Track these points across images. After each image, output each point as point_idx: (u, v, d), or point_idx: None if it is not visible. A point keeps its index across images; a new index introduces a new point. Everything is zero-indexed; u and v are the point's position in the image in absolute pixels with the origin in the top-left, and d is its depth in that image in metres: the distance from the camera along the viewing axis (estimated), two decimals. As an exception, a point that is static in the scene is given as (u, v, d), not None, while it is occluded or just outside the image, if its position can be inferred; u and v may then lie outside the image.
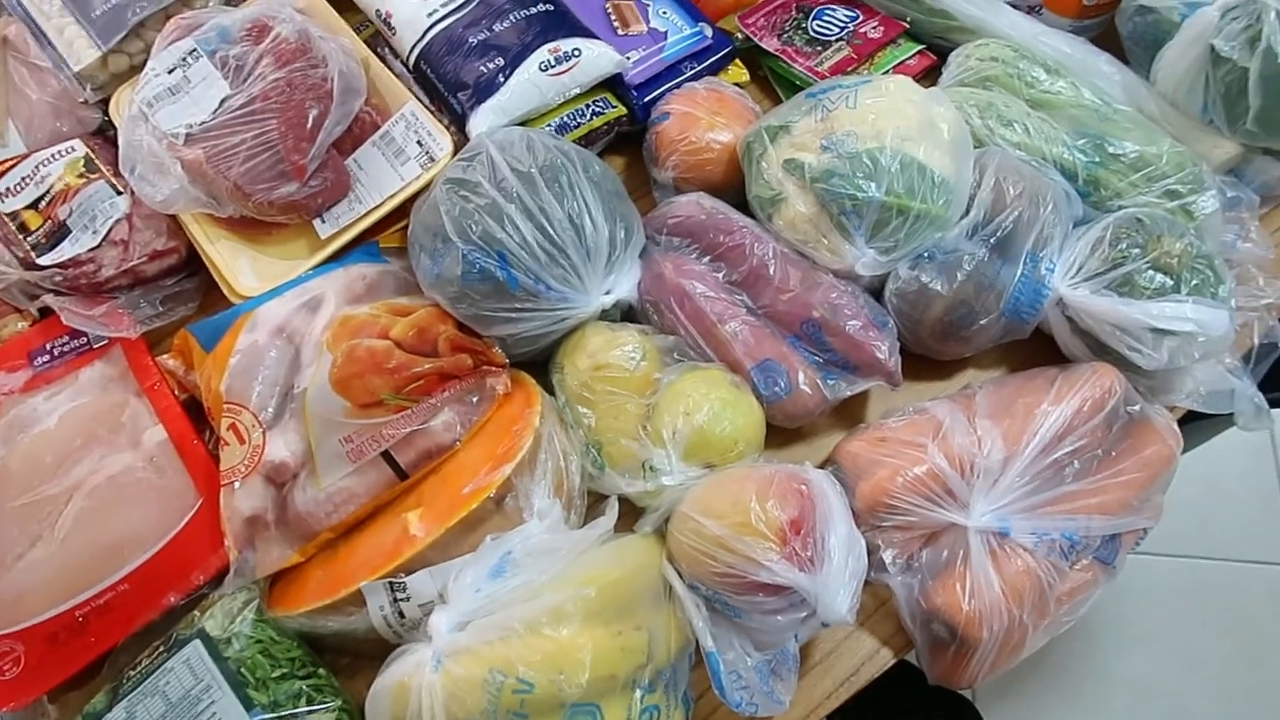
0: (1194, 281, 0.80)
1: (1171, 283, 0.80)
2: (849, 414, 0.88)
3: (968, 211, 0.85)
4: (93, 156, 0.95)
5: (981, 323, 0.84)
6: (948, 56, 0.99)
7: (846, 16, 1.03)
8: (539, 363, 0.87)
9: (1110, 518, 0.78)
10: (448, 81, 0.94)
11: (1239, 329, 0.85)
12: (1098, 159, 0.89)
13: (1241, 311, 0.86)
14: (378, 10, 1.00)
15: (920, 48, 1.02)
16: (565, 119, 0.96)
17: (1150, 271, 0.80)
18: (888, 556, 0.77)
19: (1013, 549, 0.75)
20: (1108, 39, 1.00)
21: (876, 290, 0.87)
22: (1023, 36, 0.97)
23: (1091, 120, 0.92)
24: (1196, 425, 0.95)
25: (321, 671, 0.75)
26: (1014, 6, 1.01)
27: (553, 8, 0.98)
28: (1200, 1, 0.89)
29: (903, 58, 1.01)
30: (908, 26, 1.02)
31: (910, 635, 0.78)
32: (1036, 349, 0.88)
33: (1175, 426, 0.82)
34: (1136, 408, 0.80)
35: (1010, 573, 0.74)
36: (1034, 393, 0.80)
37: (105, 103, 0.99)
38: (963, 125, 0.87)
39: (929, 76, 1.02)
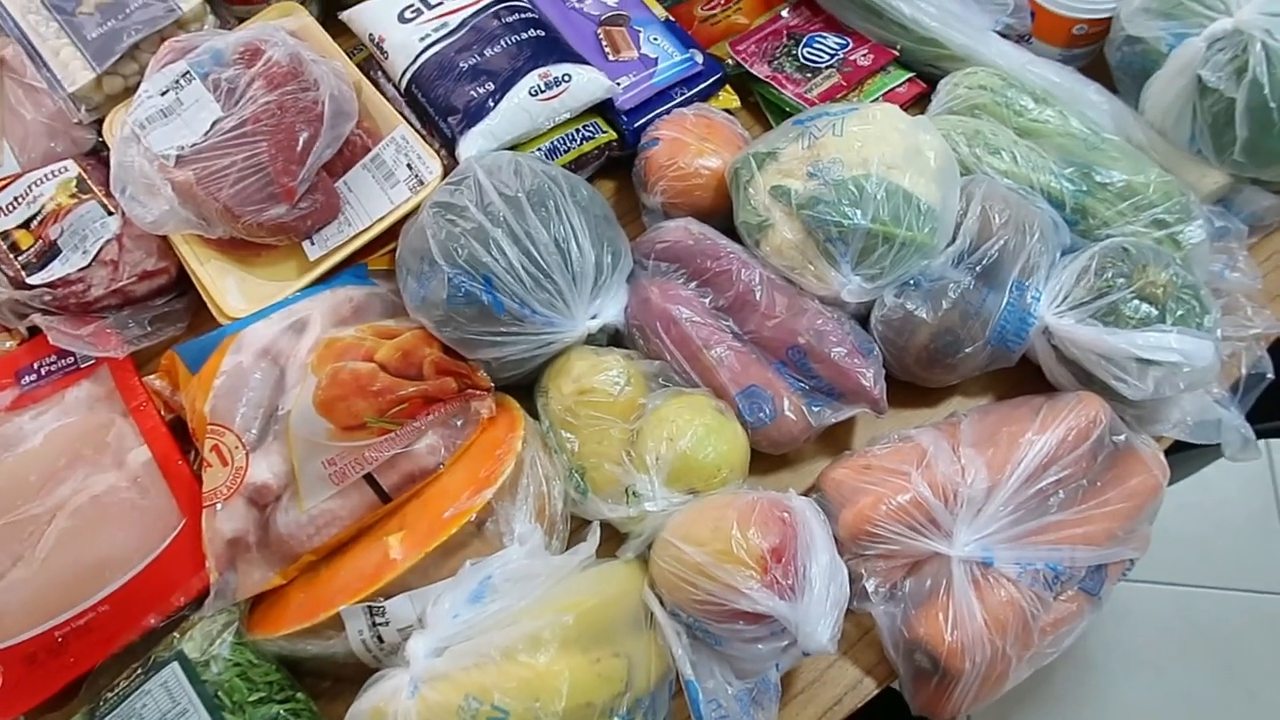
0: (1179, 311, 0.80)
1: (1156, 312, 0.80)
2: (835, 441, 0.88)
3: (954, 239, 0.85)
4: (85, 177, 0.96)
5: (967, 350, 0.83)
6: (937, 84, 0.99)
7: (837, 44, 1.03)
8: (525, 386, 0.87)
9: (1095, 548, 0.78)
10: (438, 105, 0.95)
11: (1226, 359, 0.85)
12: (1085, 188, 0.89)
13: (1229, 341, 0.86)
14: (371, 34, 1.01)
15: (910, 75, 1.03)
16: (555, 143, 0.96)
17: (1135, 301, 0.80)
18: (870, 585, 0.77)
19: (996, 579, 0.75)
20: (1097, 69, 1.00)
21: (863, 317, 0.87)
22: (1011, 65, 0.98)
23: (1079, 149, 0.92)
24: (1187, 454, 0.95)
25: (300, 696, 0.75)
26: (1003, 36, 1.01)
27: (544, 34, 0.99)
28: (1187, 32, 0.89)
29: (892, 85, 1.02)
30: (897, 54, 1.02)
31: (893, 665, 0.78)
32: (1023, 377, 0.88)
33: (1162, 457, 0.82)
34: (1122, 437, 0.80)
35: (993, 603, 0.74)
36: (1019, 421, 0.80)
37: (99, 124, 1.00)
38: (949, 153, 0.87)
39: (918, 104, 1.02)
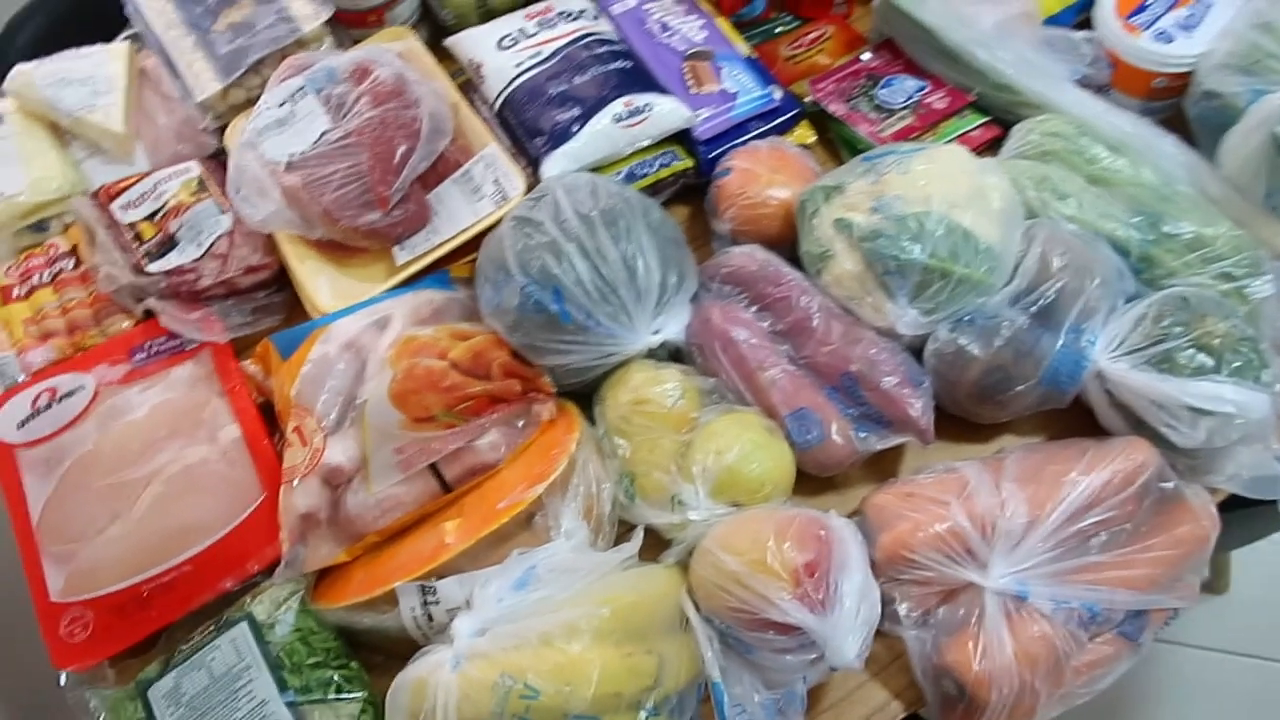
0: (1236, 363, 0.80)
1: (1212, 363, 0.80)
2: (882, 468, 0.90)
3: (1012, 279, 0.87)
4: (205, 178, 1.05)
5: (1018, 389, 0.85)
6: (1011, 129, 1.01)
7: (914, 86, 1.06)
8: (586, 394, 0.91)
9: (1136, 593, 0.78)
10: (527, 127, 1.01)
11: (1287, 415, 0.84)
12: (1152, 237, 0.90)
13: (1290, 398, 0.85)
14: (471, 59, 1.08)
15: (985, 119, 1.04)
16: (634, 168, 1.01)
17: (1191, 350, 0.81)
18: (903, 609, 0.78)
19: (1029, 614, 0.75)
20: (1176, 122, 1.01)
21: (918, 349, 0.89)
22: (1087, 114, 0.99)
23: (1149, 199, 0.92)
24: (1251, 513, 0.93)
25: (353, 664, 0.80)
26: (1082, 85, 1.02)
27: (630, 65, 1.04)
28: (1266, 89, 0.89)
29: (967, 128, 1.04)
30: (974, 99, 1.05)
31: (922, 691, 0.79)
32: (1076, 420, 0.88)
33: (1212, 508, 0.81)
34: (1171, 485, 0.80)
35: (1025, 637, 0.75)
36: (1064, 461, 0.80)
37: (221, 130, 1.10)
38: (1013, 195, 0.89)
39: (993, 148, 1.03)
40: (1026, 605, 0.76)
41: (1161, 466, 0.80)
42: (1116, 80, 1.03)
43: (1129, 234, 0.90)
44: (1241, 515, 0.92)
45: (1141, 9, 1.02)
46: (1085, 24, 1.07)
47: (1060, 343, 0.84)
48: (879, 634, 0.76)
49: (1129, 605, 0.78)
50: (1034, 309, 0.85)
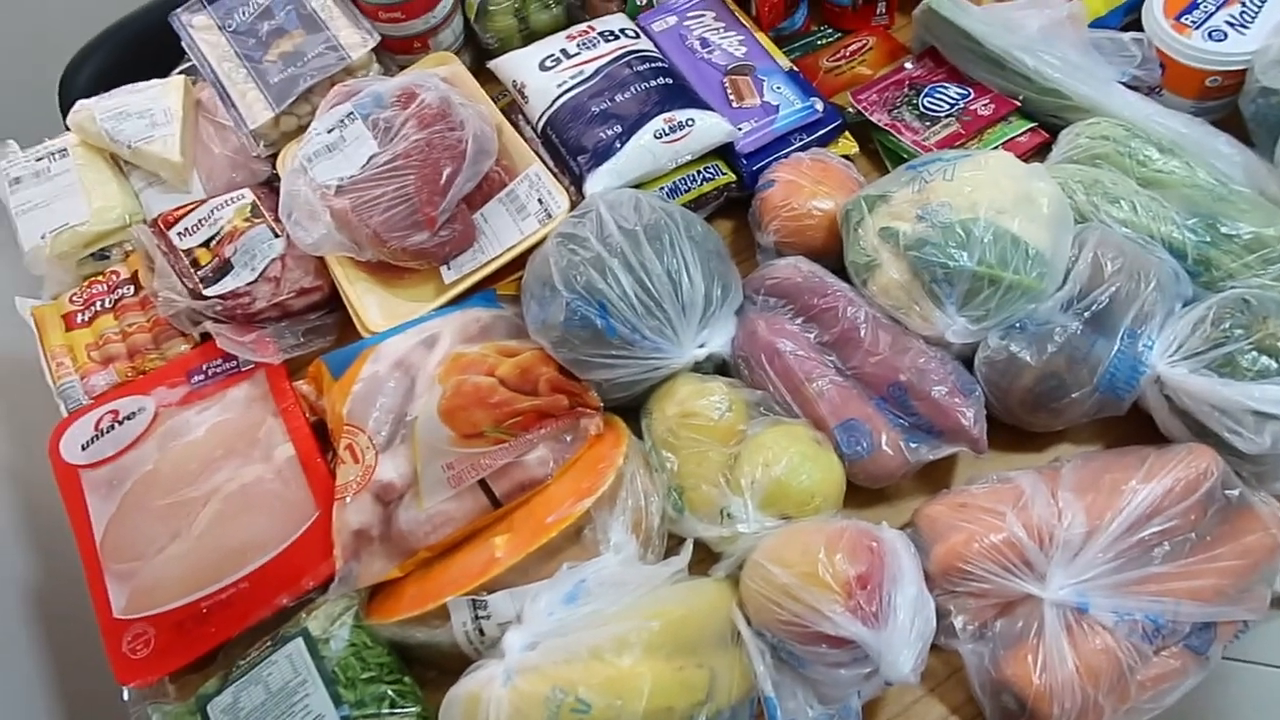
0: (1301, 366, 0.77)
1: (1276, 365, 0.78)
2: (934, 479, 0.89)
3: (1064, 285, 0.85)
4: (258, 203, 1.07)
5: (1073, 396, 0.83)
6: (1059, 134, 1.00)
7: (958, 94, 1.05)
8: (632, 409, 0.91)
9: (1202, 604, 0.75)
10: (570, 145, 1.02)
11: (1359, 419, 0.81)
12: (1209, 239, 0.88)
13: (1362, 401, 0.82)
14: (514, 81, 1.10)
15: (1031, 125, 1.03)
16: (677, 183, 1.02)
17: (1253, 353, 0.78)
18: (959, 622, 0.77)
19: (1091, 626, 0.74)
20: (1230, 121, 0.99)
21: (967, 358, 0.88)
22: (1137, 116, 0.97)
23: (1205, 200, 0.90)
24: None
25: (407, 679, 0.80)
26: (1131, 88, 1.01)
27: (671, 81, 1.05)
28: (1325, 85, 0.87)
29: (1013, 134, 1.03)
30: (1019, 105, 1.03)
31: (980, 706, 0.77)
32: (1134, 427, 0.86)
33: (1283, 516, 0.79)
34: (1236, 492, 0.78)
35: (1087, 650, 0.73)
36: (1123, 469, 0.78)
37: (274, 158, 1.12)
38: (1062, 200, 0.87)
39: (1040, 154, 1.02)
40: (1087, 617, 0.74)
41: (1226, 473, 0.77)
42: (1167, 81, 1.01)
43: (1185, 236, 0.88)
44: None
45: (1192, 7, 1.00)
46: (1132, 25, 1.05)
47: (1116, 348, 0.82)
48: (935, 648, 0.75)
49: (1195, 617, 0.75)
50: (1087, 314, 0.83)
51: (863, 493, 0.87)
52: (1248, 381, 0.78)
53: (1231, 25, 0.98)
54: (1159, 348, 0.83)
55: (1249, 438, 0.77)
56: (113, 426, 0.96)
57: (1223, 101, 1.01)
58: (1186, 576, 0.75)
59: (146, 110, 1.14)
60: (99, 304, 1.07)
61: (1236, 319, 0.80)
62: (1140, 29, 1.03)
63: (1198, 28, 0.99)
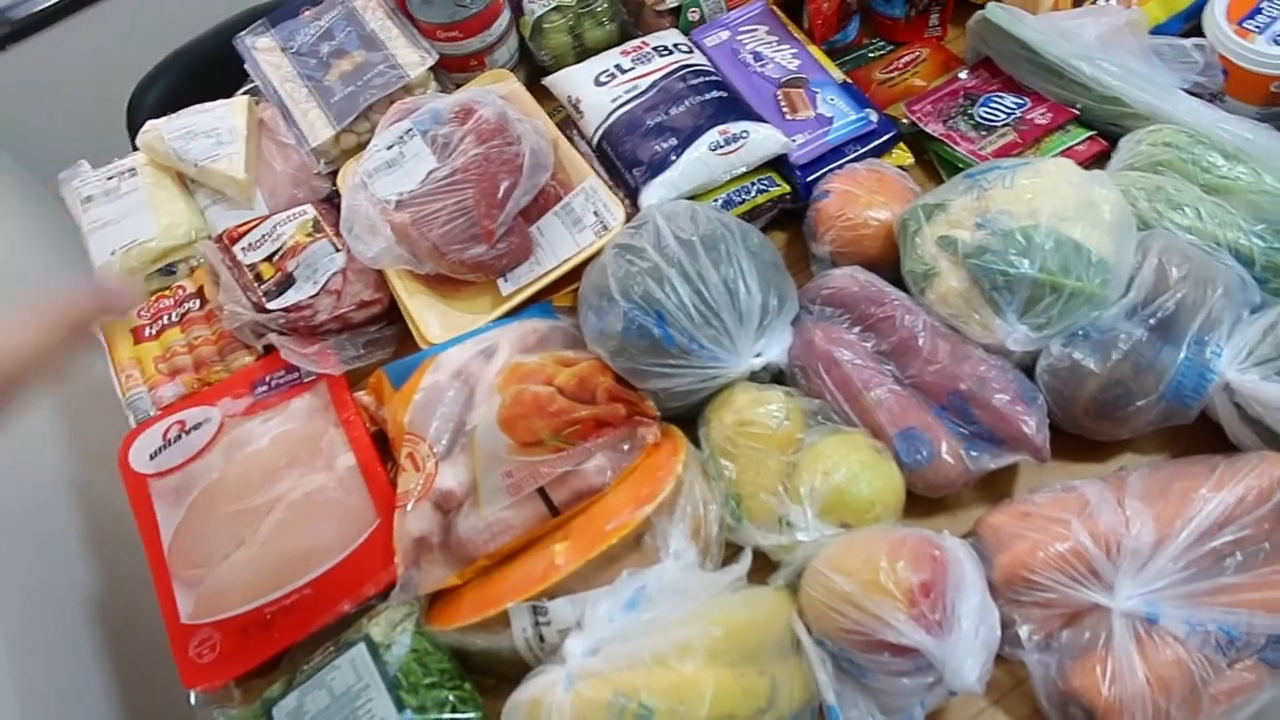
0: (1377, 371, 0.76)
1: (1351, 372, 0.76)
2: (995, 489, 0.87)
3: (1127, 292, 0.84)
4: (320, 219, 1.10)
5: (1138, 404, 0.82)
6: (1118, 142, 0.98)
7: (1014, 104, 1.05)
8: (689, 418, 0.91)
9: (1278, 616, 0.73)
10: (625, 159, 1.03)
11: None
12: (1277, 245, 0.86)
13: None
14: (569, 96, 1.11)
15: (1090, 134, 1.02)
16: (731, 195, 1.02)
17: (1327, 359, 0.77)
18: (1024, 632, 0.75)
19: (1162, 637, 0.72)
20: (1299, 127, 0.97)
21: (1028, 367, 0.87)
22: (1199, 122, 0.96)
23: (1273, 206, 0.89)
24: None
25: (467, 686, 0.81)
26: (1192, 94, 0.99)
27: (725, 94, 1.06)
28: (1396, 87, 0.85)
29: (1071, 143, 1.02)
30: (1077, 114, 1.02)
31: (1046, 717, 0.76)
32: (1202, 436, 0.85)
33: (1359, 526, 0.77)
34: (1311, 502, 0.76)
35: (1158, 661, 0.71)
36: (1192, 478, 0.77)
37: (334, 174, 1.15)
38: (1125, 207, 0.86)
39: (1099, 162, 1.01)
40: (1157, 628, 0.72)
41: (1300, 482, 0.76)
42: (1230, 87, 1.00)
43: (1252, 242, 0.87)
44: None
45: (1255, 13, 0.99)
46: (1193, 31, 1.04)
47: (1183, 355, 0.81)
48: (999, 658, 0.74)
49: (1270, 629, 0.73)
50: (1153, 321, 0.82)
51: (922, 502, 0.86)
52: (1322, 388, 0.76)
53: (1296, 29, 0.97)
54: (1228, 355, 0.81)
55: (1324, 445, 0.76)
56: (180, 436, 0.98)
57: (1288, 107, 0.99)
58: (1260, 587, 0.74)
59: (212, 130, 1.17)
60: (166, 318, 1.10)
61: (1308, 325, 0.78)
62: (1201, 35, 1.02)
63: (1262, 32, 0.98)
